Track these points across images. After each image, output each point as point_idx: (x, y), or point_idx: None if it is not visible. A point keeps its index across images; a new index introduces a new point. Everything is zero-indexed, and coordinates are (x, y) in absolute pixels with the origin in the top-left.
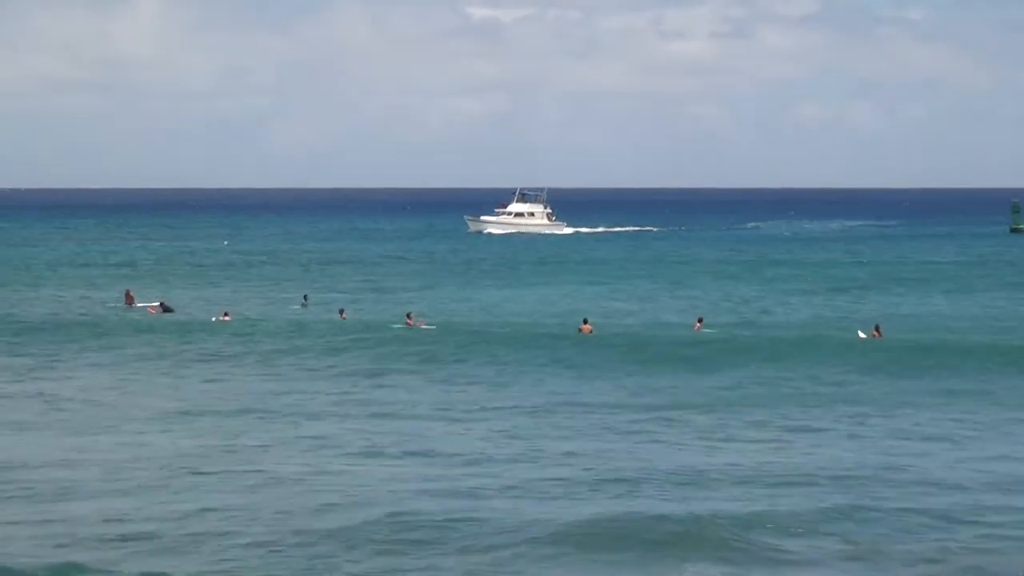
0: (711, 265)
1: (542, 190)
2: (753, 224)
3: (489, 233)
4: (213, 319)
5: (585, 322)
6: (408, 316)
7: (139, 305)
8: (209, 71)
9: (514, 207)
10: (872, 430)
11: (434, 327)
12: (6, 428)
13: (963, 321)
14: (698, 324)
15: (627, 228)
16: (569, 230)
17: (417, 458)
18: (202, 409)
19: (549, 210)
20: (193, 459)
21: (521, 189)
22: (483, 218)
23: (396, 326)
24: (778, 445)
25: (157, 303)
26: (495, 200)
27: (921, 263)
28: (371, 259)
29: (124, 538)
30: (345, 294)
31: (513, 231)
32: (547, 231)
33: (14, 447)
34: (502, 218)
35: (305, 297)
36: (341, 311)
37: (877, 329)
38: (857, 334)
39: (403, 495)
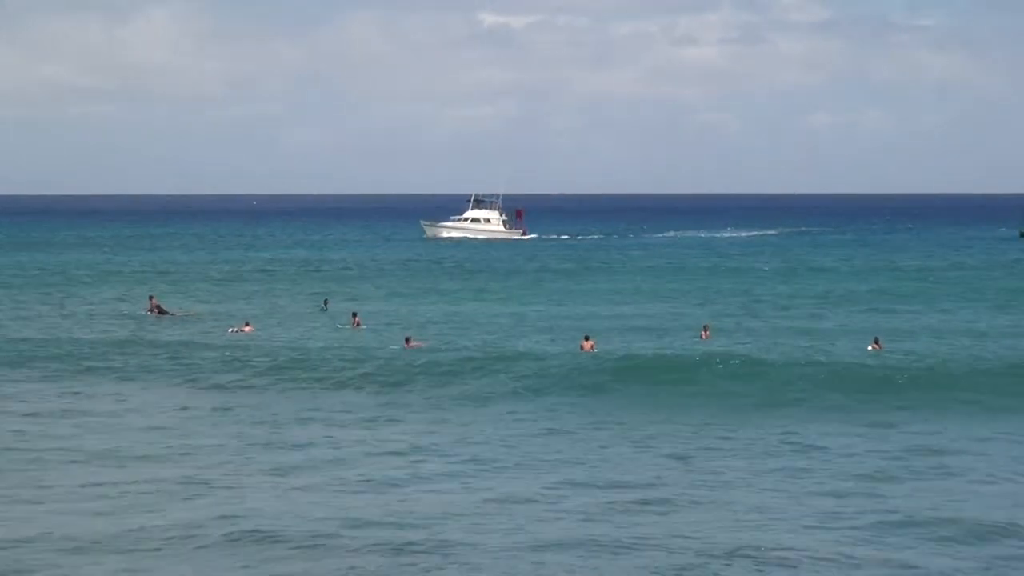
0: (701, 272)
1: (497, 196)
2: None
3: (450, 238)
4: (231, 330)
5: (587, 339)
6: (407, 340)
7: (164, 315)
8: (222, 78)
9: (470, 213)
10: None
11: (426, 345)
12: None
13: (971, 331)
14: (704, 332)
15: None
16: (525, 237)
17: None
18: (214, 433)
19: (505, 217)
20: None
21: (476, 195)
22: (440, 224)
23: (394, 348)
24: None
25: (154, 307)
26: (507, 207)
27: (928, 269)
28: (384, 266)
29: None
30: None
31: (469, 236)
32: (502, 237)
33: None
34: (459, 224)
35: (325, 302)
36: (354, 314)
37: (876, 342)
38: (866, 347)
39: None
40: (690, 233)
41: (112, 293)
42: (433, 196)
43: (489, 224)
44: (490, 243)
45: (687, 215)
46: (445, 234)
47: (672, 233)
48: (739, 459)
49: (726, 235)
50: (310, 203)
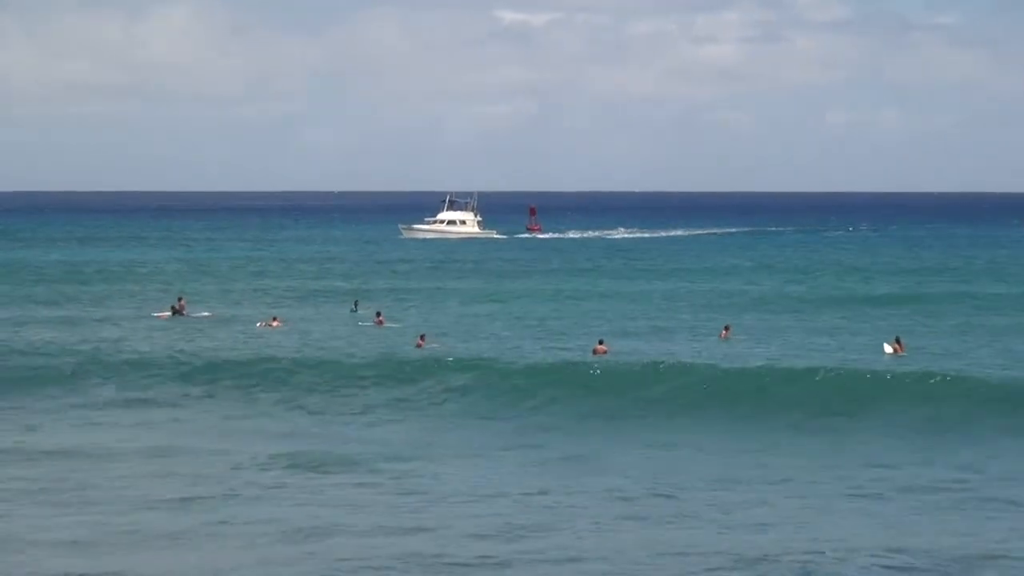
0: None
1: (472, 195)
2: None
3: (425, 239)
4: (259, 324)
5: (600, 342)
6: (421, 338)
7: (192, 316)
8: (239, 76)
9: (445, 215)
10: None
11: (439, 345)
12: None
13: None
14: (725, 331)
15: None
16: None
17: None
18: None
19: (480, 218)
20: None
21: (450, 196)
22: (416, 226)
23: (407, 347)
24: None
25: (168, 309)
26: (522, 204)
27: (934, 268)
28: (404, 265)
29: None
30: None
31: (445, 238)
32: (477, 238)
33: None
34: (435, 226)
35: (355, 303)
36: (378, 313)
37: (898, 342)
38: (883, 348)
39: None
40: (706, 231)
41: (134, 292)
42: (449, 193)
43: (464, 226)
44: (499, 242)
45: (703, 213)
46: (420, 236)
47: (682, 231)
48: (777, 462)
49: (741, 230)
50: (328, 200)
